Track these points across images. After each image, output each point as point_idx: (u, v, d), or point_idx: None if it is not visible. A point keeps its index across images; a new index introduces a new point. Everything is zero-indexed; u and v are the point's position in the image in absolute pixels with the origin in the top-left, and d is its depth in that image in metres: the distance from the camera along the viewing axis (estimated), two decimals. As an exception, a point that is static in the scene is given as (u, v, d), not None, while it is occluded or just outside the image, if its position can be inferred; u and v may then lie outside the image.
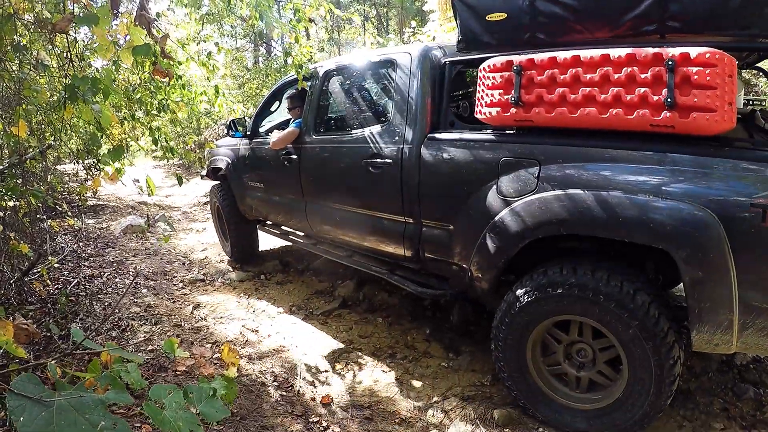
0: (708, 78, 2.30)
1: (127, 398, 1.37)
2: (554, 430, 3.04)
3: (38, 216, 5.21)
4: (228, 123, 5.76)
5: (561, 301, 2.80)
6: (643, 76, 2.47)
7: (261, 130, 5.56)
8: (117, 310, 4.66)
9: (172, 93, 4.47)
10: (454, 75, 3.60)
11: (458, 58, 3.53)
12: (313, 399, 3.49)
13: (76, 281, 5.14)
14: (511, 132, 3.12)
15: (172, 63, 3.16)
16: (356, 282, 5.31)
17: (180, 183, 4.49)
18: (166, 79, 3.15)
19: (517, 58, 2.88)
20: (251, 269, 6.16)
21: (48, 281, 4.70)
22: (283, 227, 5.57)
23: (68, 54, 2.94)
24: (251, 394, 3.48)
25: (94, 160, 6.28)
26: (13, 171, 3.84)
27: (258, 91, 15.44)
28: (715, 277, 2.36)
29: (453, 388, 3.56)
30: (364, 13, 23.25)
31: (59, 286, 4.88)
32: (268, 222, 5.81)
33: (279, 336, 4.42)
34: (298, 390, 3.59)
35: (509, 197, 2.96)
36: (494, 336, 3.17)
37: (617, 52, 2.55)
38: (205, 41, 6.02)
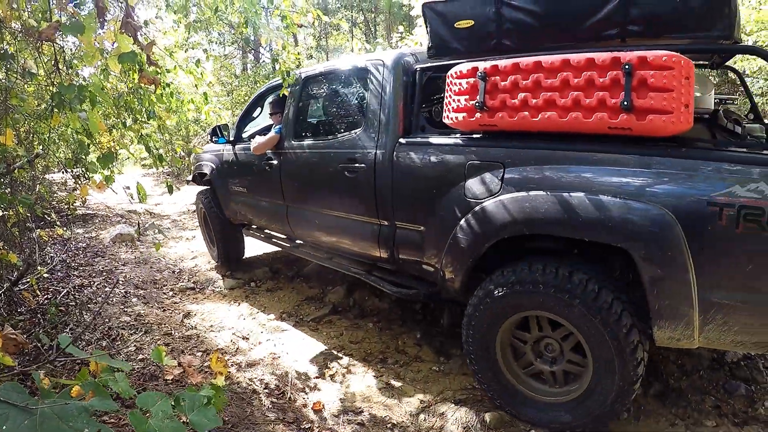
0: (664, 81, 2.36)
1: (110, 405, 1.36)
2: (544, 431, 3.07)
3: (27, 226, 5.18)
4: (211, 129, 5.79)
5: (526, 297, 2.89)
6: (601, 80, 2.52)
7: (244, 135, 5.63)
8: (107, 320, 4.63)
9: (160, 100, 4.47)
10: (426, 81, 3.68)
11: (428, 64, 3.62)
12: (305, 405, 3.48)
13: (65, 291, 5.11)
14: (478, 136, 3.22)
15: (159, 70, 3.16)
16: (346, 288, 5.31)
17: (170, 191, 4.46)
18: (153, 86, 3.15)
19: (482, 65, 2.96)
20: (241, 277, 6.15)
21: (37, 291, 4.67)
22: (266, 231, 5.63)
23: (55, 62, 2.93)
24: (242, 401, 3.46)
25: (83, 168, 6.28)
26: (1, 180, 3.82)
27: (246, 97, 15.50)
28: (673, 274, 2.42)
29: (444, 391, 3.56)
30: (352, 19, 23.33)
31: (49, 296, 4.85)
32: (253, 226, 5.86)
33: (270, 343, 4.41)
34: (290, 397, 3.57)
35: (476, 199, 3.06)
36: (464, 339, 3.26)
37: (577, 57, 2.61)
38: (193, 48, 6.01)
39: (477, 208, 3.03)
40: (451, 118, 3.16)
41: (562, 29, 2.94)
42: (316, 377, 3.84)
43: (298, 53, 5.29)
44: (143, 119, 4.45)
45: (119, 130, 4.79)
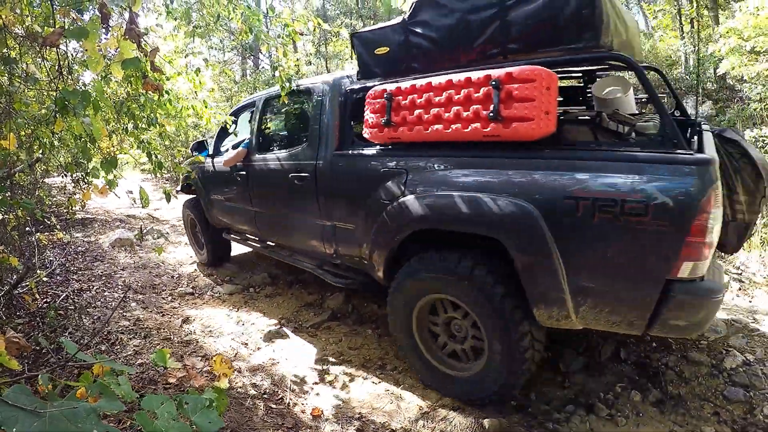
0: (527, 92, 2.73)
1: (118, 405, 1.37)
2: (481, 409, 3.39)
3: (26, 229, 5.18)
4: (193, 144, 6.44)
5: (427, 282, 3.41)
6: (476, 95, 2.95)
7: (222, 149, 6.16)
8: (106, 324, 4.63)
9: (161, 106, 4.50)
10: (355, 101, 4.16)
11: (356, 86, 4.13)
12: (303, 411, 3.48)
13: (64, 295, 5.11)
14: (389, 147, 3.72)
15: (161, 77, 3.18)
16: (345, 294, 5.32)
17: (168, 199, 4.55)
18: (156, 92, 3.16)
19: (389, 87, 3.50)
20: (240, 282, 6.15)
21: (37, 295, 4.67)
22: (241, 234, 6.17)
23: (59, 67, 2.95)
24: (241, 406, 3.46)
25: (83, 173, 6.34)
26: (2, 184, 3.82)
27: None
28: (540, 261, 2.77)
29: (443, 397, 3.57)
30: (351, 26, 23.38)
31: (48, 300, 4.85)
32: (232, 230, 6.36)
33: (269, 349, 4.42)
34: (288, 403, 3.58)
35: (388, 201, 3.56)
36: (390, 323, 3.81)
37: (458, 77, 3.07)
38: (193, 55, 6.03)
39: (388, 208, 3.53)
40: (369, 133, 3.68)
41: (456, 52, 3.36)
42: (315, 383, 3.85)
43: (297, 59, 5.36)
44: (144, 125, 4.50)
45: (119, 136, 4.82)
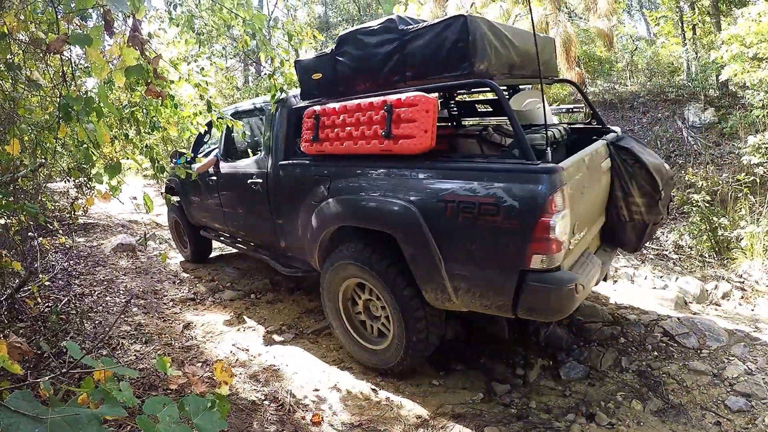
0: (410, 114, 3.38)
1: (120, 411, 1.37)
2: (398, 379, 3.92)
3: (29, 234, 5.19)
4: (171, 153, 7.07)
5: (343, 269, 3.98)
6: (376, 117, 3.59)
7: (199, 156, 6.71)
8: (107, 329, 4.63)
9: (164, 112, 4.53)
10: (298, 117, 4.66)
11: (299, 105, 4.72)
12: (304, 418, 3.48)
13: (66, 299, 5.11)
14: (318, 159, 4.34)
15: (164, 83, 3.19)
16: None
17: (168, 203, 4.68)
18: (159, 99, 3.18)
19: (318, 108, 4.16)
20: (241, 288, 6.16)
21: (38, 299, 4.67)
22: (215, 231, 6.73)
23: (63, 74, 2.96)
24: (242, 413, 3.46)
25: (85, 178, 6.47)
26: (5, 189, 3.84)
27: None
28: (422, 252, 3.33)
29: (443, 405, 3.57)
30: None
31: (50, 304, 4.85)
32: (208, 228, 6.91)
33: (269, 355, 4.41)
34: (289, 409, 3.58)
35: (316, 202, 4.19)
36: (323, 305, 4.36)
37: (365, 101, 3.71)
38: (196, 61, 6.06)
39: (317, 209, 4.15)
40: (303, 146, 4.32)
41: (369, 79, 3.95)
42: (316, 390, 3.85)
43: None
44: (147, 131, 4.55)
45: (121, 142, 4.86)
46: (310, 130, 4.18)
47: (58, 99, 3.05)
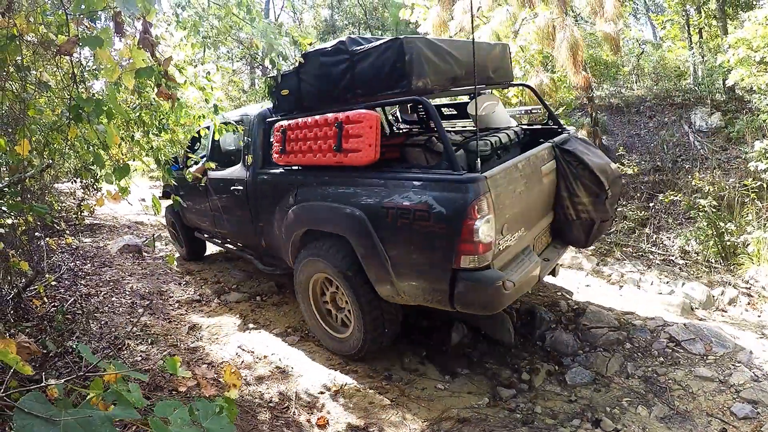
0: (357, 130, 3.72)
1: (133, 413, 1.38)
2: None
3: (36, 234, 5.21)
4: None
5: (311, 265, 4.35)
6: (330, 131, 3.93)
7: (189, 163, 6.73)
8: (113, 329, 4.64)
9: (173, 114, 4.57)
10: (272, 130, 4.98)
11: (273, 119, 5.04)
12: (309, 421, 3.48)
13: (72, 299, 5.13)
14: (287, 169, 4.74)
15: (174, 85, 3.20)
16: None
17: (176, 205, 4.69)
18: (169, 101, 3.20)
19: (284, 123, 4.50)
20: (247, 290, 6.17)
21: (45, 299, 4.69)
22: (207, 232, 7.09)
23: (73, 75, 2.97)
24: (247, 415, 3.47)
25: (92, 179, 6.55)
26: (14, 189, 3.85)
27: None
28: (370, 253, 3.71)
29: (449, 410, 3.57)
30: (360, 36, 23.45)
31: (56, 304, 4.87)
32: (201, 229, 7.25)
33: (275, 357, 4.42)
34: (294, 412, 3.58)
35: (287, 208, 4.57)
36: (297, 295, 4.76)
37: (321, 117, 4.03)
38: (202, 64, 6.08)
39: (288, 213, 4.52)
40: (275, 158, 4.66)
41: (327, 96, 4.30)
42: (321, 393, 3.85)
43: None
44: (155, 132, 4.60)
45: (128, 143, 4.88)
46: (278, 143, 4.56)
47: (68, 100, 3.06)
